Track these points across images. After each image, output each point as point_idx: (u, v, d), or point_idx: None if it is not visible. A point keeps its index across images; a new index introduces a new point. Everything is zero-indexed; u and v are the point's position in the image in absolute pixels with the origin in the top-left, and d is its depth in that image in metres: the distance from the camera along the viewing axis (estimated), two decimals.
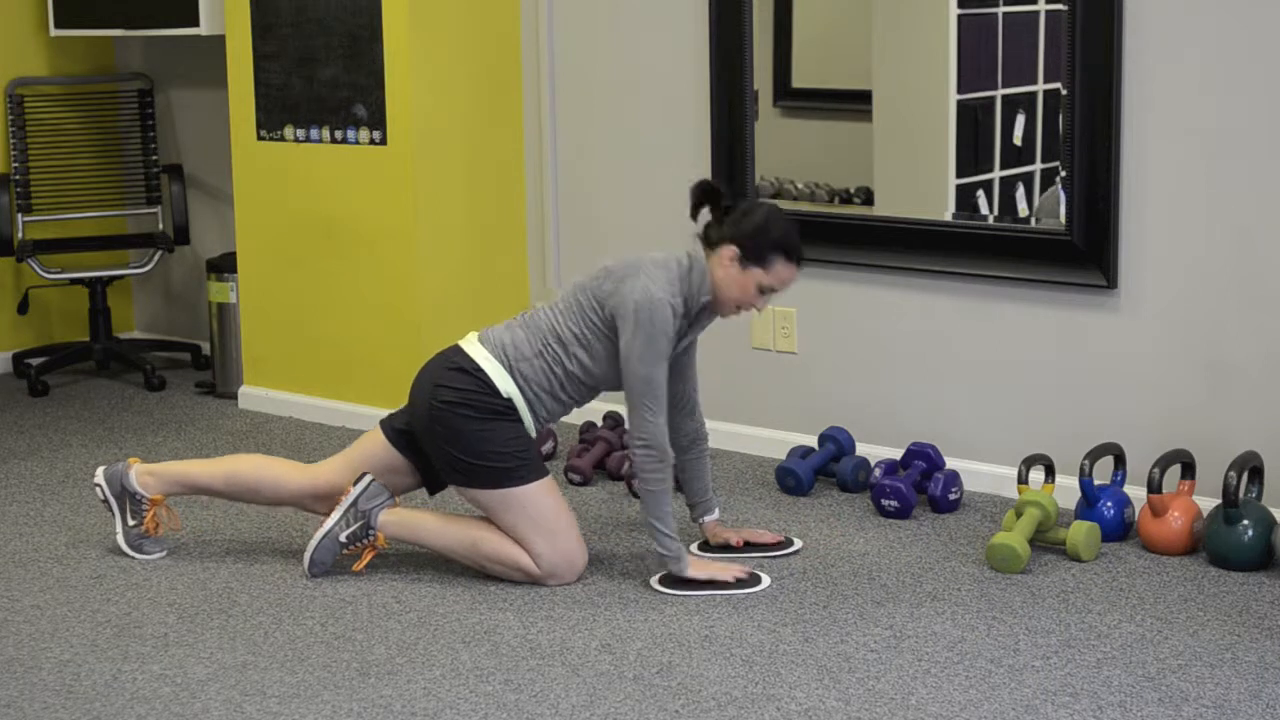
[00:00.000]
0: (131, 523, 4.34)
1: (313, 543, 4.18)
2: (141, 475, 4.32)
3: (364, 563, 4.18)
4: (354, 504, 4.15)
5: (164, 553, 4.37)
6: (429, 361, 4.19)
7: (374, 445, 4.26)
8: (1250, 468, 4.23)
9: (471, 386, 4.04)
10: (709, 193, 4.10)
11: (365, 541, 4.17)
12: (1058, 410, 4.70)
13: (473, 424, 4.03)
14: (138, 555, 4.34)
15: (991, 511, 4.66)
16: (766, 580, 4.11)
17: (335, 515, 4.16)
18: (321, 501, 4.27)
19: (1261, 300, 4.36)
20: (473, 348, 4.10)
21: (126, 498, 4.33)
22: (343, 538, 4.16)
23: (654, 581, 4.11)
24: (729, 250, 4.01)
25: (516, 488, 4.04)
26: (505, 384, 4.05)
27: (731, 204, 4.11)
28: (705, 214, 4.11)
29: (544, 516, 4.07)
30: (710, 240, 4.07)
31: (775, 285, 4.07)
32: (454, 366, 4.08)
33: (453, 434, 4.05)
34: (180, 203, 6.49)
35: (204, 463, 4.41)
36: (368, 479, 4.18)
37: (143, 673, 3.68)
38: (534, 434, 4.12)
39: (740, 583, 4.07)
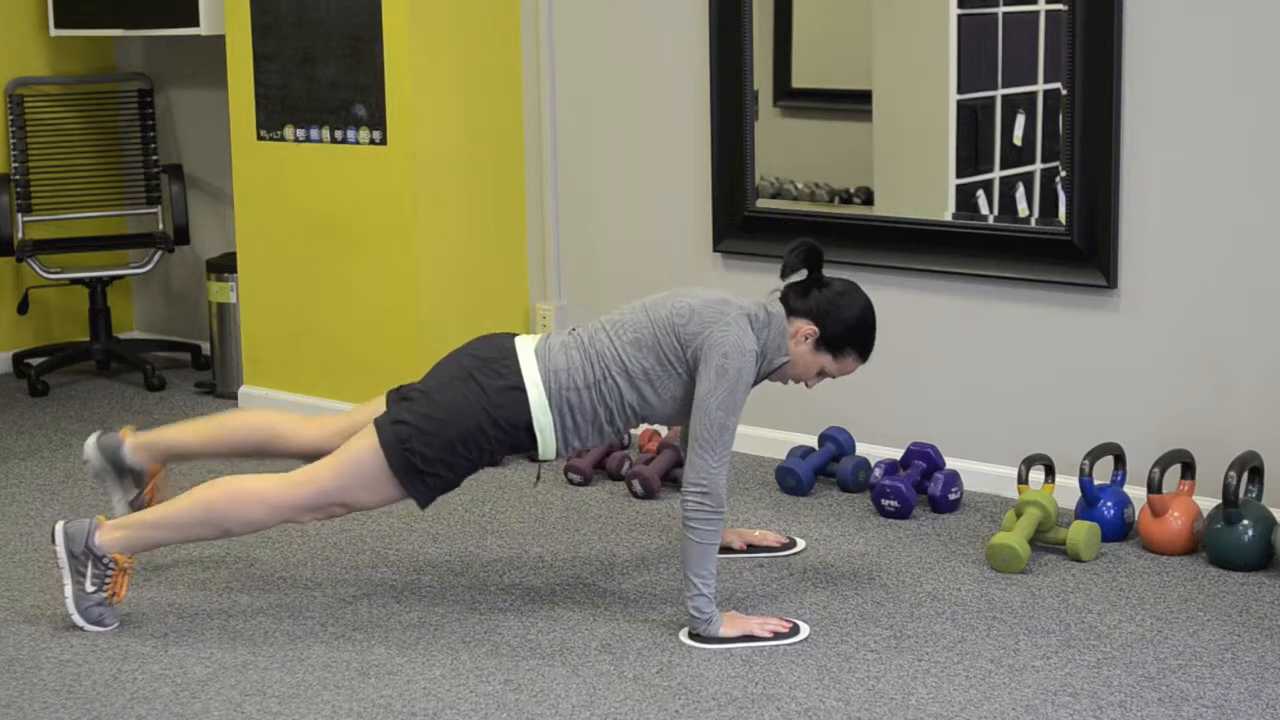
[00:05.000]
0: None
1: (75, 615, 3.86)
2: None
3: (124, 591, 3.90)
4: (69, 555, 3.84)
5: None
6: (478, 347, 3.92)
7: (376, 410, 3.96)
8: (1250, 468, 4.23)
9: (504, 403, 3.80)
10: (812, 257, 3.87)
11: (111, 573, 3.86)
12: (1058, 410, 4.70)
13: (472, 416, 3.78)
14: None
15: (991, 511, 4.66)
16: (806, 630, 3.84)
17: (65, 580, 3.85)
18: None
19: (1261, 300, 4.36)
20: (528, 366, 3.83)
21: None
22: (90, 588, 3.86)
23: (683, 635, 3.81)
24: (808, 328, 3.85)
25: (398, 486, 3.82)
26: (540, 414, 3.81)
27: (823, 276, 3.89)
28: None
29: (355, 486, 3.82)
30: (793, 307, 3.87)
31: (836, 374, 3.94)
32: (503, 381, 3.81)
33: (444, 399, 3.79)
34: (180, 203, 6.49)
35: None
36: (59, 527, 3.86)
37: (143, 673, 3.68)
38: (552, 457, 3.89)
39: (778, 636, 3.79)
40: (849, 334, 3.88)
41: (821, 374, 3.94)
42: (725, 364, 3.74)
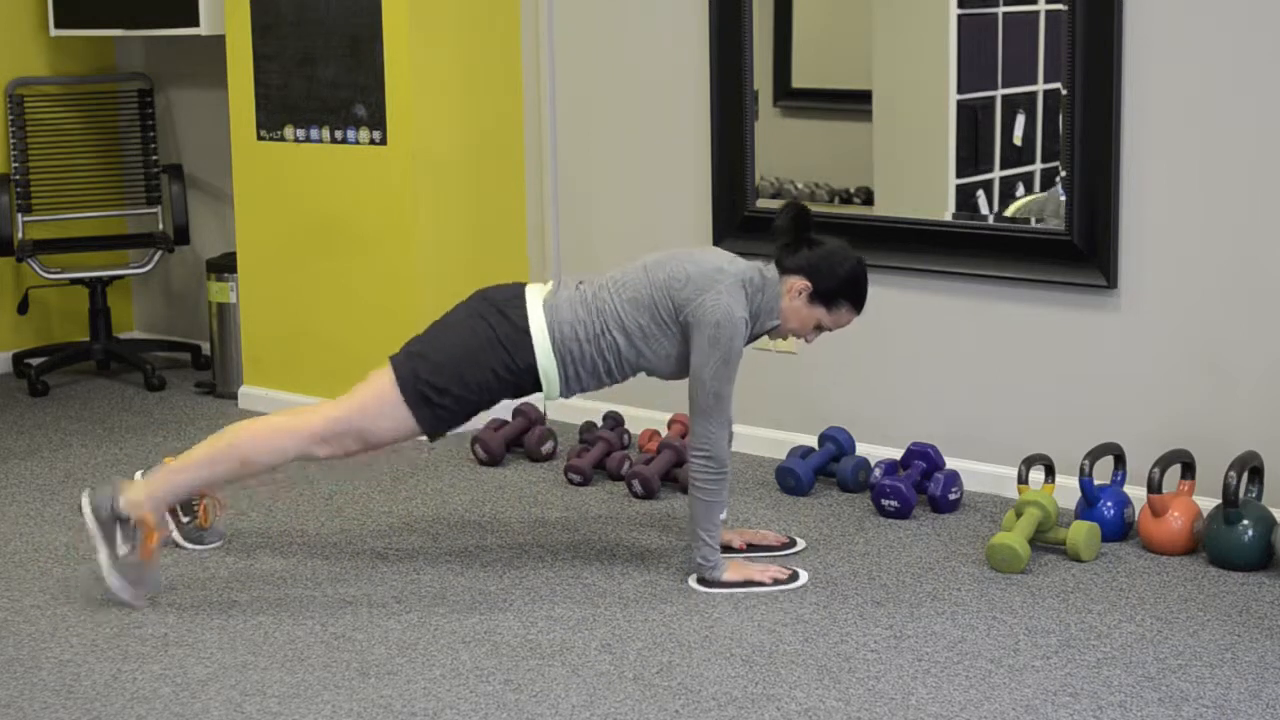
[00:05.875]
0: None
1: (110, 580, 3.98)
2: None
3: (152, 545, 3.99)
4: (97, 523, 3.95)
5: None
6: (490, 291, 4.11)
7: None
8: (1250, 468, 4.23)
9: (511, 345, 4.00)
10: (801, 218, 4.04)
11: (138, 534, 3.97)
12: (1058, 410, 4.70)
13: (482, 352, 3.99)
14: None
15: (991, 511, 4.66)
16: (805, 577, 4.13)
17: (98, 548, 3.96)
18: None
19: (1261, 300, 4.36)
20: (535, 313, 4.01)
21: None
22: (122, 552, 3.97)
23: (692, 581, 4.11)
24: (801, 283, 4.01)
25: (410, 414, 3.99)
26: (544, 359, 4.00)
27: (813, 236, 4.04)
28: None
29: (369, 413, 4.01)
30: (785, 266, 4.03)
31: (831, 327, 4.09)
32: (511, 325, 4.00)
33: (456, 335, 4.02)
34: (180, 203, 6.49)
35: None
36: (84, 498, 3.97)
37: (143, 673, 3.68)
38: (556, 398, 4.09)
39: (777, 582, 4.08)
40: (842, 286, 4.04)
41: (819, 328, 4.09)
42: (717, 334, 3.94)
